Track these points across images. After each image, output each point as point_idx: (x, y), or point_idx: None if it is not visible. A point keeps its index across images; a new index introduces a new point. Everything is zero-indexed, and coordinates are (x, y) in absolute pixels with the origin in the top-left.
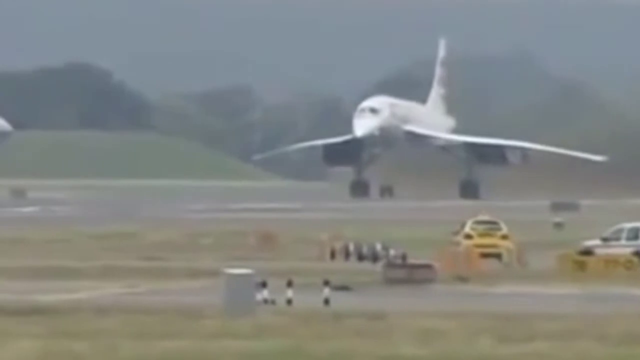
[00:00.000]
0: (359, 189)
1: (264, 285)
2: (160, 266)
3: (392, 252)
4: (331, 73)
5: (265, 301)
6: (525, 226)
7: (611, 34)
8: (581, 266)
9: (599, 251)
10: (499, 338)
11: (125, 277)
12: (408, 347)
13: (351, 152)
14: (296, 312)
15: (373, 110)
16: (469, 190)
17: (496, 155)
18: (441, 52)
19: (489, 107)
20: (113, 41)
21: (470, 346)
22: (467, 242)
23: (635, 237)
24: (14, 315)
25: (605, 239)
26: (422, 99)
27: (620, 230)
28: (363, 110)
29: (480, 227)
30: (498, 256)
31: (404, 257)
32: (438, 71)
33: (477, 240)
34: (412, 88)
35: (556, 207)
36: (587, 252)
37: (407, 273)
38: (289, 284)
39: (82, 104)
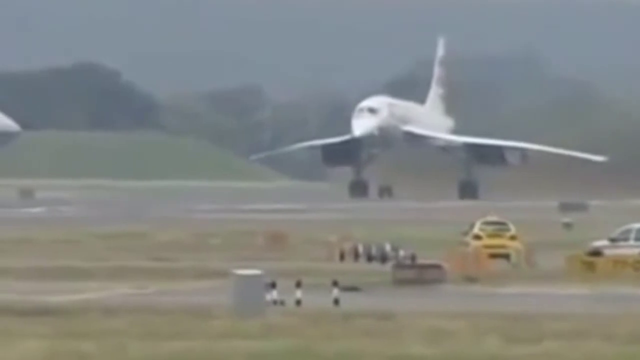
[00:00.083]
0: (358, 189)
1: (273, 285)
2: (168, 266)
3: (401, 252)
4: (334, 73)
5: (275, 302)
6: (534, 227)
7: (613, 34)
8: (590, 267)
9: (608, 252)
10: (507, 338)
11: (134, 277)
12: (417, 347)
13: (350, 152)
14: (305, 312)
15: (372, 110)
16: (468, 190)
17: (495, 155)
18: (440, 52)
19: (490, 107)
20: (121, 41)
21: (478, 346)
22: (476, 243)
23: None
24: (22, 316)
25: (613, 240)
26: (425, 99)
27: (629, 231)
28: (362, 110)
29: (489, 228)
30: (507, 257)
31: (413, 257)
32: (436, 71)
33: (486, 241)
34: (418, 89)
35: (565, 208)
36: (596, 252)
37: (416, 273)
38: (298, 284)
39: (90, 104)
